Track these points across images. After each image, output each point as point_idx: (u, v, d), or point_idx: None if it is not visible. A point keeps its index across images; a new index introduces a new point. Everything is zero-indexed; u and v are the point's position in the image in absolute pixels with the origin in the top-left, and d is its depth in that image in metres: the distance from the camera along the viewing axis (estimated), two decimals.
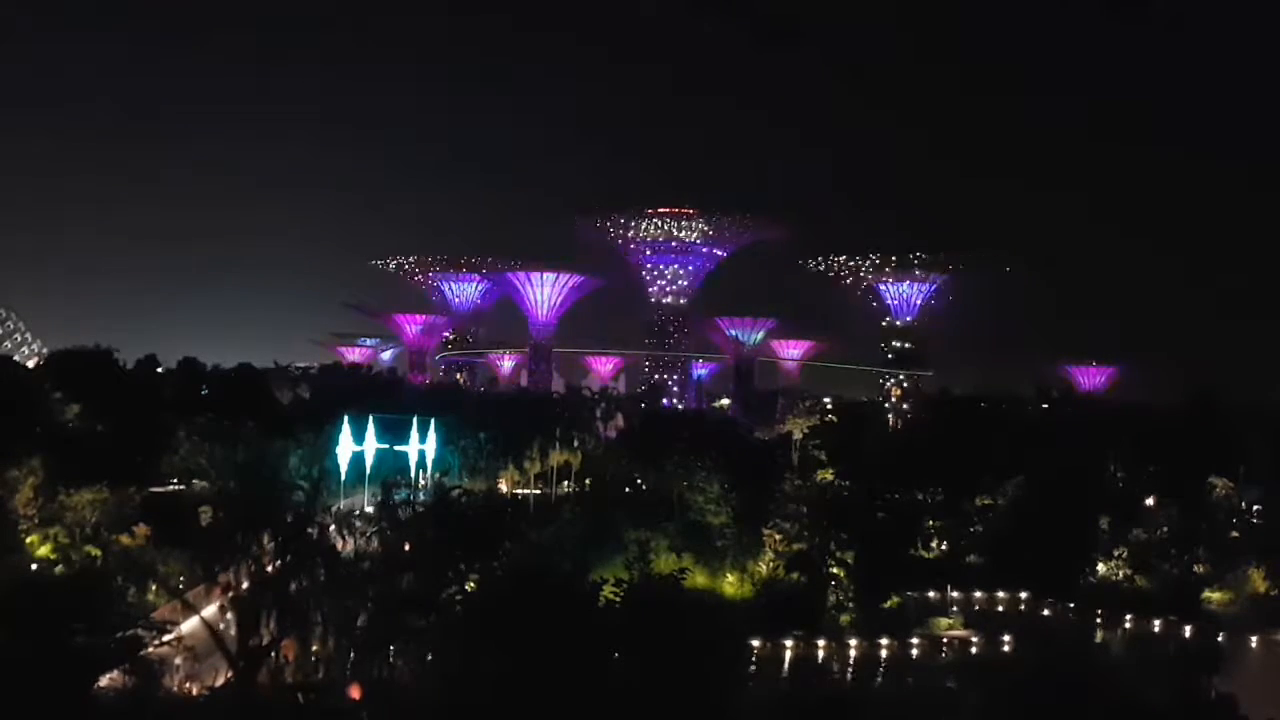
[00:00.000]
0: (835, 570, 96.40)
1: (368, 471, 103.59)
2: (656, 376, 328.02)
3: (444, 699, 42.22)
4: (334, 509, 75.58)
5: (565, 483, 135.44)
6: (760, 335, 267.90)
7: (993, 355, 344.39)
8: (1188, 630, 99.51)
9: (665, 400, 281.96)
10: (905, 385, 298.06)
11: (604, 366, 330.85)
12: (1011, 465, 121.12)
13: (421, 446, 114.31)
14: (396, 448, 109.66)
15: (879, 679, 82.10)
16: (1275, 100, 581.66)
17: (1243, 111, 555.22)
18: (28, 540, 72.22)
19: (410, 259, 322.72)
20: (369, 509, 78.16)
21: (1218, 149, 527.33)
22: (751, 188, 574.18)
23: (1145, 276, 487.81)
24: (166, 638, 45.58)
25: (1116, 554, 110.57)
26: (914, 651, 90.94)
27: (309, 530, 55.13)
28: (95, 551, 72.43)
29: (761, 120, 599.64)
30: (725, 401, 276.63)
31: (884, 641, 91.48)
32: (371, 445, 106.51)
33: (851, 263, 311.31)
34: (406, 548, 63.08)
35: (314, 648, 50.92)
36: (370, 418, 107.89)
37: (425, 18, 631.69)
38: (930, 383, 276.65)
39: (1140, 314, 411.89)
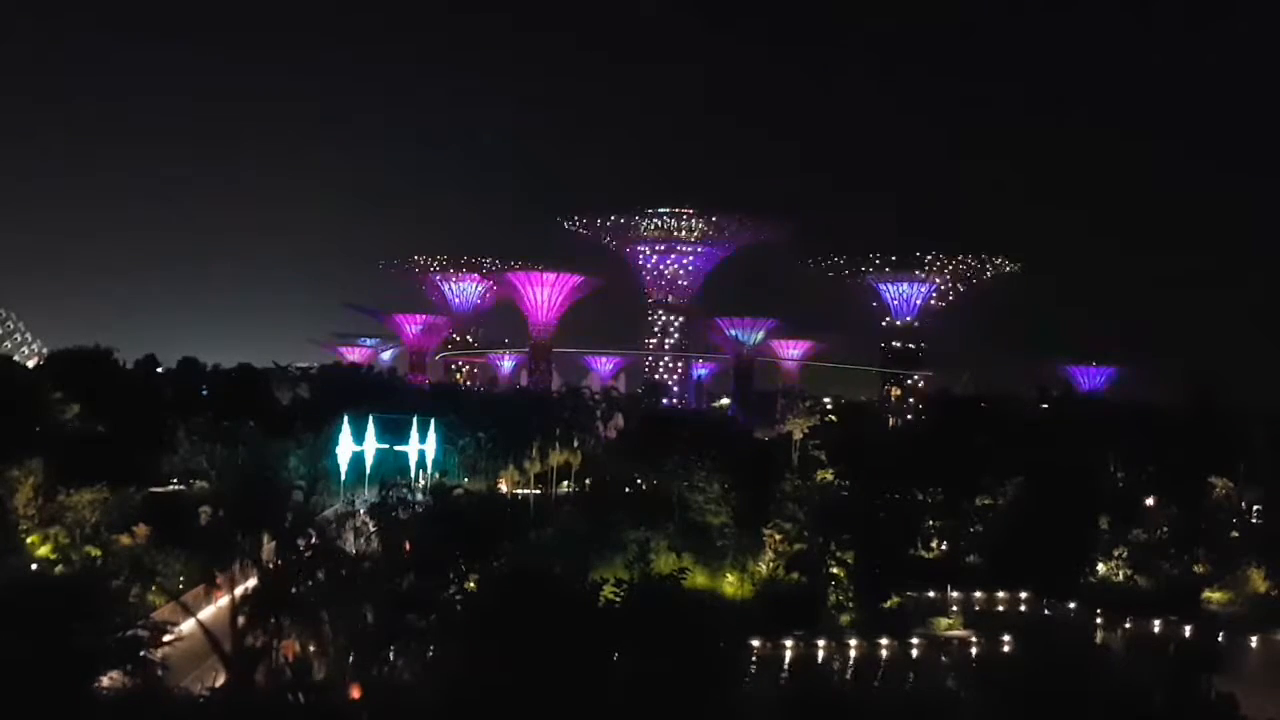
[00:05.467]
0: (835, 570, 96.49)
1: (368, 471, 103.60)
2: (656, 376, 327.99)
3: (444, 699, 42.21)
4: (337, 508, 75.78)
5: (565, 483, 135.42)
6: (760, 335, 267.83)
7: (993, 355, 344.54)
8: (1188, 630, 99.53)
9: (665, 400, 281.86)
10: (905, 385, 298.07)
11: (604, 366, 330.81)
12: (1011, 465, 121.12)
13: (421, 446, 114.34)
14: (396, 448, 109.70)
15: (879, 679, 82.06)
16: (1276, 103, 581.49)
17: (1244, 113, 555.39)
18: (28, 540, 72.23)
19: (410, 259, 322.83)
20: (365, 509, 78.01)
21: (1218, 150, 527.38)
22: (751, 188, 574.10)
23: (1145, 277, 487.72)
24: (167, 638, 45.54)
25: (1116, 554, 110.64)
26: (914, 651, 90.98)
27: (309, 530, 55.15)
28: (95, 551, 72.41)
29: (762, 120, 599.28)
30: (725, 401, 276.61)
31: (884, 641, 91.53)
32: (371, 445, 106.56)
33: (852, 262, 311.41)
34: (406, 548, 63.14)
35: (313, 648, 50.90)
36: (370, 418, 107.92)
37: (425, 17, 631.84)
38: (930, 383, 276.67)
39: (1140, 314, 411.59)
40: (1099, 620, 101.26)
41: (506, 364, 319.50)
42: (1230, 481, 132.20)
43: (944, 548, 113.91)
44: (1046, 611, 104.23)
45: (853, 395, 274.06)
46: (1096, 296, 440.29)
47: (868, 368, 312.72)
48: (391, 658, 51.24)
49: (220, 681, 47.60)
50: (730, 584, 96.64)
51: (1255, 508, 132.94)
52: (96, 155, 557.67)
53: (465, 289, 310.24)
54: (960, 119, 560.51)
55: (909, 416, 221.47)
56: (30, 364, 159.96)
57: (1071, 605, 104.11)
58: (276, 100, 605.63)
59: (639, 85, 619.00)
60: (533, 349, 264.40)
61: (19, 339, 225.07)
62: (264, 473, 68.31)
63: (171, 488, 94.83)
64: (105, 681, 42.25)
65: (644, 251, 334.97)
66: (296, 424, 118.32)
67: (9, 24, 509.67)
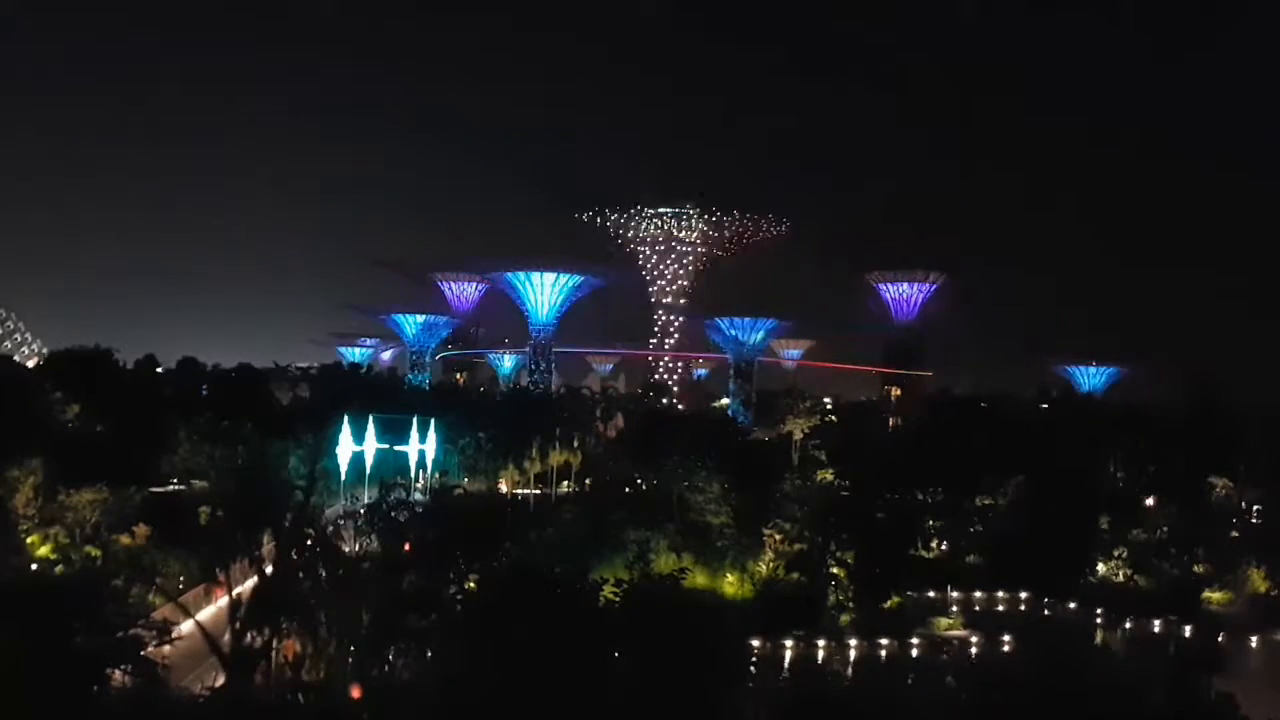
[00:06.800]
0: (835, 570, 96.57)
1: (368, 471, 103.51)
2: (656, 376, 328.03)
3: (444, 699, 42.19)
4: (337, 508, 75.73)
5: (565, 483, 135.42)
6: (760, 335, 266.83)
7: (993, 355, 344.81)
8: (1188, 630, 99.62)
9: (665, 400, 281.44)
10: (905, 385, 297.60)
11: (604, 366, 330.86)
12: (1011, 465, 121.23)
13: (421, 446, 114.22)
14: (396, 448, 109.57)
15: (879, 679, 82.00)
16: (1275, 101, 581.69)
17: (1243, 112, 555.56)
18: (28, 540, 72.30)
19: (410, 259, 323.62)
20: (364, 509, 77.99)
21: (1218, 149, 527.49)
22: (752, 188, 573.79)
23: (1145, 276, 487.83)
24: (167, 638, 45.51)
25: (1116, 554, 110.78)
26: (914, 651, 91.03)
27: (309, 530, 55.12)
28: (95, 551, 72.58)
29: (762, 120, 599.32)
30: (725, 401, 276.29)
31: (884, 641, 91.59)
32: (371, 445, 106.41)
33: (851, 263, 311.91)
34: (406, 548, 63.10)
35: (310, 649, 50.88)
36: (370, 418, 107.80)
37: (426, 18, 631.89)
38: (930, 383, 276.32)
39: (1140, 314, 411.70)
40: (1099, 620, 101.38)
41: (507, 364, 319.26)
42: (1230, 481, 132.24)
43: (944, 548, 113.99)
44: (1046, 611, 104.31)
45: (853, 395, 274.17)
46: (1096, 296, 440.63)
47: (867, 368, 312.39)
48: (391, 658, 51.21)
49: (220, 681, 47.57)
50: (730, 584, 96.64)
51: (1255, 508, 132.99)
52: (96, 155, 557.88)
53: (465, 289, 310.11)
54: (960, 118, 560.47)
55: (909, 416, 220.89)
56: (30, 364, 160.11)
57: (1071, 605, 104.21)
58: (276, 100, 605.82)
59: (639, 85, 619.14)
60: (533, 349, 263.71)
61: (19, 339, 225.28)
62: (264, 473, 68.22)
63: (171, 488, 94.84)
64: (105, 681, 42.20)
65: (644, 251, 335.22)
66: (296, 424, 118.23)
67: (9, 23, 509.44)
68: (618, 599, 44.69)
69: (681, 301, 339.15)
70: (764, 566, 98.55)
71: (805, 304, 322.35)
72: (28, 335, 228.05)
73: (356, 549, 62.79)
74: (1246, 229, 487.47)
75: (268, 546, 54.49)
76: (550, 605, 42.00)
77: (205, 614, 53.82)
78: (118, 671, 42.14)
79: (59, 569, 68.56)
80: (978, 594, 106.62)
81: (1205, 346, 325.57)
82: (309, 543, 54.01)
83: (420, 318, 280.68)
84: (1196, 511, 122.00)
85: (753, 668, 58.55)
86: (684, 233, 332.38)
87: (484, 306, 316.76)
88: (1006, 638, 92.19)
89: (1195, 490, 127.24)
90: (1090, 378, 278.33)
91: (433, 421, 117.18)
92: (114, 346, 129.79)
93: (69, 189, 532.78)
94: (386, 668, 50.81)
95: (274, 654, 49.13)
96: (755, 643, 78.10)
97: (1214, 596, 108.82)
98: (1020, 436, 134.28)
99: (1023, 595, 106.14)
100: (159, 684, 42.43)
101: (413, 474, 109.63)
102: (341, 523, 67.48)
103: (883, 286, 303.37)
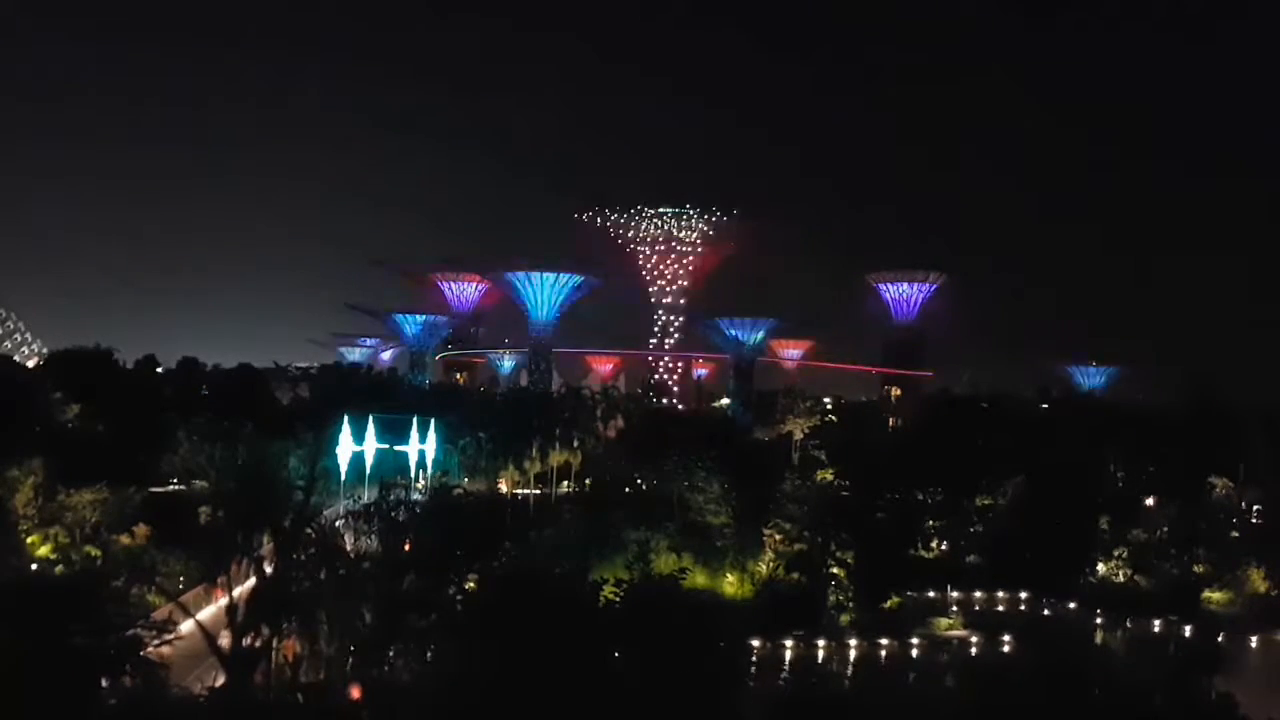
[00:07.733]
0: (835, 570, 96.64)
1: (368, 471, 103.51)
2: (656, 376, 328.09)
3: (444, 699, 42.20)
4: (338, 508, 75.79)
5: (565, 483, 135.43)
6: (760, 335, 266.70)
7: (993, 355, 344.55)
8: (1188, 630, 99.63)
9: (665, 400, 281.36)
10: (905, 385, 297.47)
11: (604, 366, 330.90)
12: (1011, 465, 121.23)
13: (421, 446, 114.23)
14: (396, 448, 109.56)
15: (879, 679, 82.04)
16: (1275, 106, 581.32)
17: (1243, 115, 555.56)
18: (28, 540, 72.32)
19: (410, 259, 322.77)
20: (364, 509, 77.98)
21: (1217, 152, 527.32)
22: (752, 188, 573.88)
23: (1146, 276, 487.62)
24: (167, 638, 45.52)
25: (1116, 554, 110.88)
26: (914, 651, 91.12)
27: (309, 530, 55.13)
28: (95, 551, 72.61)
29: (762, 120, 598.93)
30: (725, 401, 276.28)
31: (884, 641, 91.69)
32: (371, 445, 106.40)
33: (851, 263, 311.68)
34: (406, 548, 63.14)
35: (310, 649, 50.88)
36: (370, 418, 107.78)
37: (425, 19, 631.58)
38: (930, 383, 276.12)
39: (1140, 314, 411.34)
40: (1099, 620, 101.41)
41: (507, 364, 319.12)
42: (1230, 481, 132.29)
43: (944, 548, 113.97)
44: (1046, 611, 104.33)
45: (853, 395, 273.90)
46: (1096, 296, 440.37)
47: (867, 368, 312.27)
48: (391, 657, 51.23)
49: (220, 681, 47.57)
50: (730, 584, 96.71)
51: (1255, 508, 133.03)
52: (97, 155, 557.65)
53: (465, 289, 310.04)
54: (958, 119, 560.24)
55: (909, 416, 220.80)
56: (30, 364, 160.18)
57: (1071, 605, 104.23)
58: (276, 99, 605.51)
59: (639, 85, 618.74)
60: (533, 349, 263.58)
61: (19, 339, 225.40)
62: (264, 473, 68.22)
63: (171, 488, 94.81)
64: (105, 682, 42.21)
65: (644, 251, 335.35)
66: (296, 424, 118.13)
67: (9, 24, 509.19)
68: (618, 599, 44.66)
69: (682, 301, 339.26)
70: (764, 566, 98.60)
71: (805, 304, 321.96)
72: (28, 335, 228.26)
73: (356, 549, 62.83)
74: (1247, 229, 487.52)
75: (268, 546, 54.48)
76: (550, 605, 42.00)
77: (205, 614, 53.81)
78: (117, 671, 42.15)
79: (59, 569, 68.59)
80: (978, 594, 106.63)
81: (1205, 346, 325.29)
82: (309, 543, 54.03)
83: (420, 318, 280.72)
84: (1196, 511, 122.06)
85: (753, 668, 58.57)
86: (684, 233, 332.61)
87: (484, 306, 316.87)
88: (1006, 638, 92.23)
89: (1195, 490, 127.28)
90: (1090, 378, 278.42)
91: (433, 421, 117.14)
92: (114, 346, 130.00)
93: (69, 189, 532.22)
94: (386, 668, 50.85)
95: (274, 654, 49.14)
96: (755, 643, 78.12)
97: (1214, 596, 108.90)
98: (1020, 436, 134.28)
99: (1023, 595, 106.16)
100: (159, 684, 42.42)
101: (413, 474, 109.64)
102: (341, 523, 67.59)
103: (883, 286, 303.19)
